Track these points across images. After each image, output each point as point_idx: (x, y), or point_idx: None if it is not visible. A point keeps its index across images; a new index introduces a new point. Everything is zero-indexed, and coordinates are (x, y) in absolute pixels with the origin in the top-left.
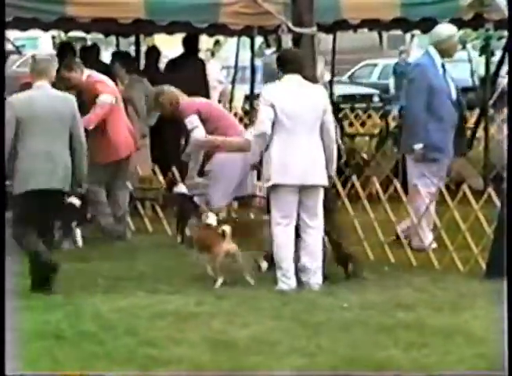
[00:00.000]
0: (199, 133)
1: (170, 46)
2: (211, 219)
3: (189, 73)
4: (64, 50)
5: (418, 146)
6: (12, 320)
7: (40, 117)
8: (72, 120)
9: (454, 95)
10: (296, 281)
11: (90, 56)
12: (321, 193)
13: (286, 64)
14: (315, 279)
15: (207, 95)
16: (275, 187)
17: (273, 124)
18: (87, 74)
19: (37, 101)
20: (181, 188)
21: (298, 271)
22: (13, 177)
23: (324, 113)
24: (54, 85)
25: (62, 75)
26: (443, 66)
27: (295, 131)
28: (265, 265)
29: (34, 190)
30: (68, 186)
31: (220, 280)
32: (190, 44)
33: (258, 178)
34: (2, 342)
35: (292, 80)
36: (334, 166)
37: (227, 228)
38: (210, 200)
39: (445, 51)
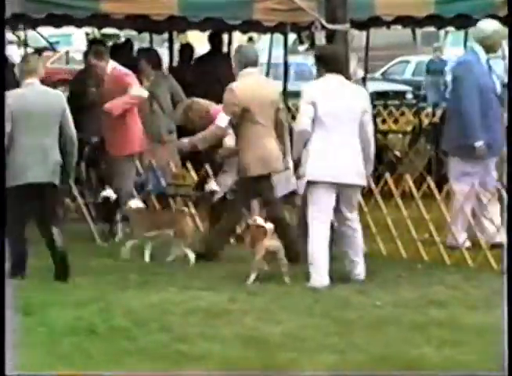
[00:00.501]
0: (223, 121)
1: (202, 43)
2: (260, 221)
3: (217, 69)
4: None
5: (479, 144)
6: (43, 315)
7: (31, 112)
8: (62, 115)
9: (499, 92)
10: (328, 279)
11: (122, 52)
12: (358, 192)
13: (328, 63)
14: (359, 270)
15: None
16: (312, 184)
17: (313, 121)
18: (112, 66)
19: (29, 97)
20: (212, 186)
21: (346, 262)
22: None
23: (363, 114)
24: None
25: (88, 61)
26: (488, 62)
27: (334, 129)
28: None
29: (25, 184)
30: (58, 179)
31: (253, 276)
32: (216, 40)
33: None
34: (2, 342)
35: (334, 79)
36: (371, 166)
37: (269, 225)
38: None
39: (490, 47)
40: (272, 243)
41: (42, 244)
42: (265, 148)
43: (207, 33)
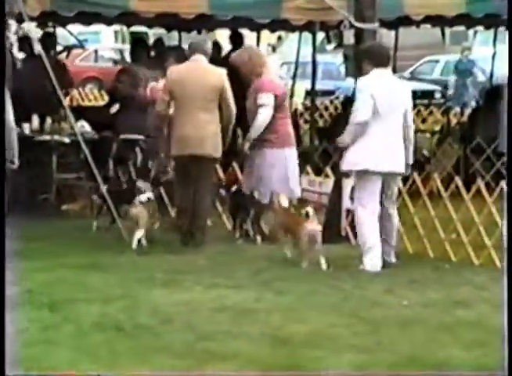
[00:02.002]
0: (267, 113)
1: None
2: (284, 201)
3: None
4: (137, 45)
5: None
6: (69, 311)
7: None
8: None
9: None
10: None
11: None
12: (399, 180)
13: (376, 58)
14: (392, 256)
15: None
16: (365, 173)
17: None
18: None
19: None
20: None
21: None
22: None
23: (408, 105)
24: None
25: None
26: None
27: (388, 121)
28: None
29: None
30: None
31: (306, 262)
32: (237, 40)
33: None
34: (2, 342)
35: (384, 74)
36: (412, 155)
37: (310, 209)
38: (266, 195)
39: None
40: (314, 226)
41: (73, 242)
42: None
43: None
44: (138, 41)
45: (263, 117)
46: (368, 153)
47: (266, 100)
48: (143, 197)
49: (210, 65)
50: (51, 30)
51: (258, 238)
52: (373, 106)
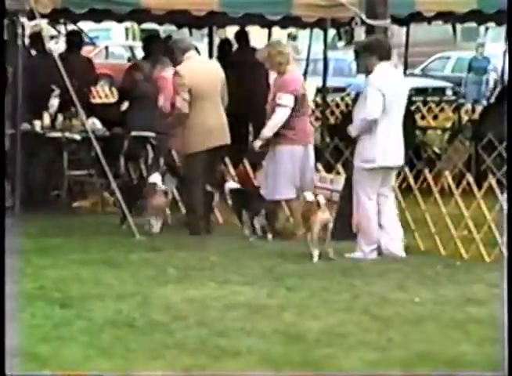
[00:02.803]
0: (284, 113)
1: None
2: (309, 196)
3: (247, 64)
4: (151, 42)
5: None
6: (82, 308)
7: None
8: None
9: None
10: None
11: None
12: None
13: (378, 51)
14: (396, 245)
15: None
16: (375, 168)
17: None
18: None
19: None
20: (232, 184)
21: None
22: None
23: (406, 98)
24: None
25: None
26: None
27: (394, 116)
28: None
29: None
30: None
31: (316, 253)
32: (242, 37)
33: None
34: (2, 342)
35: (388, 66)
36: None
37: (321, 198)
38: (276, 193)
39: None
40: (326, 215)
41: (85, 238)
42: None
43: (247, 28)
44: (151, 37)
45: (279, 117)
46: (380, 150)
47: (285, 101)
48: (163, 187)
49: (207, 59)
50: (75, 28)
51: (269, 235)
52: (383, 103)
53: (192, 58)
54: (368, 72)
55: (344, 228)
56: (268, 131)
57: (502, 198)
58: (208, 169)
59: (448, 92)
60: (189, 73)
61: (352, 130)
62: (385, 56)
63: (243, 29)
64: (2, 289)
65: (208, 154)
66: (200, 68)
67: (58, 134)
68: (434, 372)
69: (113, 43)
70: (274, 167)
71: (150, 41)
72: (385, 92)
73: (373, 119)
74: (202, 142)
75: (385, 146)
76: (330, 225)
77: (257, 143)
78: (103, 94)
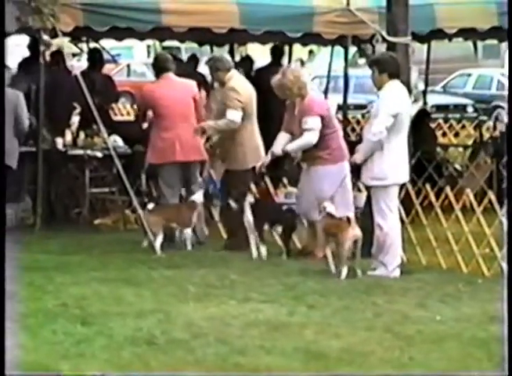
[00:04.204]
0: (314, 137)
1: (262, 56)
2: (330, 208)
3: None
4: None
5: None
6: (103, 325)
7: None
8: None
9: None
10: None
11: (187, 67)
12: None
13: (390, 68)
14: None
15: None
16: (387, 186)
17: (391, 128)
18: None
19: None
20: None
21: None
22: None
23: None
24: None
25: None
26: None
27: (403, 133)
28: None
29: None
30: None
31: (345, 270)
32: (278, 53)
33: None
34: (2, 342)
35: (400, 85)
36: None
37: (351, 214)
38: (307, 213)
39: None
40: (357, 232)
41: (106, 255)
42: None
43: (268, 45)
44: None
45: (307, 140)
46: (392, 167)
47: (312, 124)
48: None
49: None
50: (97, 46)
51: (284, 254)
52: (393, 122)
53: (235, 76)
54: (378, 88)
55: (365, 246)
56: (291, 147)
57: None
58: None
59: (470, 109)
60: (244, 90)
61: (357, 157)
62: (396, 73)
63: (278, 46)
64: (2, 290)
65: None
66: (247, 87)
67: (80, 151)
68: (434, 372)
69: (134, 61)
70: (308, 186)
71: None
72: (397, 111)
73: (378, 140)
74: (254, 158)
75: (398, 163)
76: (360, 242)
77: (276, 152)
78: (125, 111)
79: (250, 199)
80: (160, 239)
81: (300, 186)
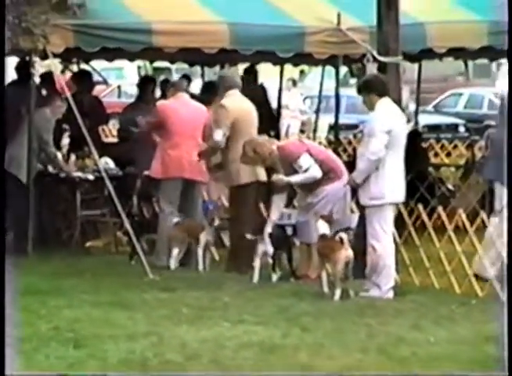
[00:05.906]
0: (316, 171)
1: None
2: (324, 228)
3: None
4: (145, 83)
5: None
6: (95, 348)
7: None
8: None
9: None
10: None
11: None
12: None
13: (379, 88)
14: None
15: (273, 120)
16: (383, 205)
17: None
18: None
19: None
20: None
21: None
22: None
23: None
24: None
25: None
26: None
27: (399, 151)
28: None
29: None
30: None
31: (339, 292)
32: (249, 73)
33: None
34: (2, 342)
35: (390, 102)
36: None
37: (344, 235)
38: (308, 235)
39: None
40: (349, 253)
41: (98, 278)
42: None
43: (260, 65)
44: (146, 78)
45: (313, 174)
46: (389, 186)
47: (305, 163)
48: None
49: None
50: (86, 67)
51: (274, 275)
52: (387, 141)
53: (235, 95)
54: (369, 109)
55: (358, 266)
56: (295, 179)
57: None
58: (255, 206)
59: (461, 129)
60: (233, 108)
61: (356, 176)
62: (384, 91)
63: (253, 66)
64: (2, 290)
65: (256, 189)
66: (244, 106)
67: (71, 174)
68: (435, 372)
69: (125, 82)
70: (314, 208)
71: (143, 82)
72: (391, 128)
73: (378, 158)
74: (250, 173)
75: (394, 182)
76: (351, 264)
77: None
78: (116, 133)
79: (268, 229)
80: (175, 253)
81: (299, 209)
